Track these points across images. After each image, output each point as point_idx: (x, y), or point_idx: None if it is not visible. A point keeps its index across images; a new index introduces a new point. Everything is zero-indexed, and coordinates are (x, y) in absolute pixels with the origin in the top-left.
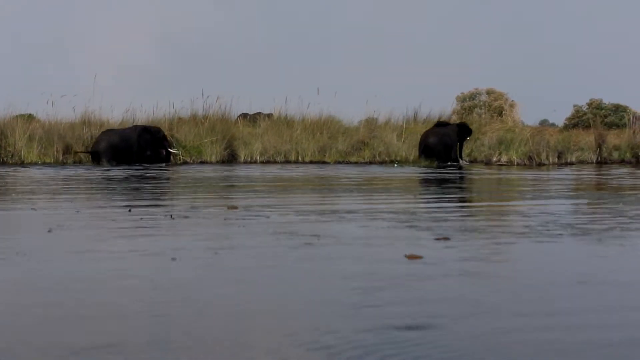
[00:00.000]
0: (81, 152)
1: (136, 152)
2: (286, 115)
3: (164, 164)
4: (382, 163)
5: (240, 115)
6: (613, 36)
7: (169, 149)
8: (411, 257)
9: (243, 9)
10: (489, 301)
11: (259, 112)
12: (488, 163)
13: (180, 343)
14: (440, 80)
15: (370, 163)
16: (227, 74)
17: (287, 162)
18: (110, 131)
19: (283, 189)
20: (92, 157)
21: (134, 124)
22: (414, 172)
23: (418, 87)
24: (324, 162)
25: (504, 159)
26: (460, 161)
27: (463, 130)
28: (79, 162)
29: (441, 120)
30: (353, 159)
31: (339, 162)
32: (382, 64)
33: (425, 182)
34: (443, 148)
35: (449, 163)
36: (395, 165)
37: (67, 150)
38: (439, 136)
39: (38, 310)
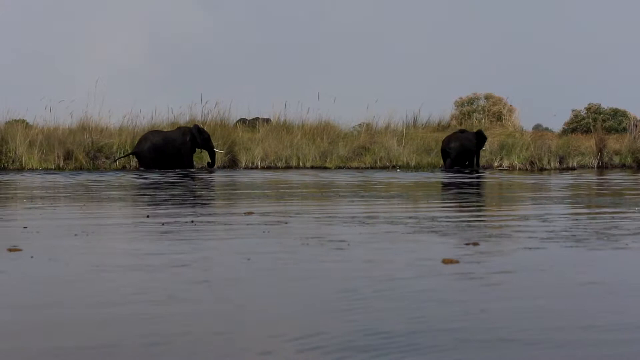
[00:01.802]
0: (121, 157)
1: (184, 156)
2: (285, 120)
3: (210, 168)
4: (383, 168)
5: (239, 120)
6: (610, 40)
7: (216, 149)
8: (447, 262)
9: (240, 14)
10: (555, 308)
11: (257, 118)
12: (489, 168)
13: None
14: (439, 84)
15: (372, 168)
16: (225, 79)
17: (288, 167)
18: (154, 132)
19: (293, 195)
20: (137, 159)
21: (180, 124)
22: (419, 178)
23: (417, 91)
24: (325, 168)
25: (505, 164)
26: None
27: (481, 138)
28: (79, 168)
29: (441, 124)
30: (354, 164)
31: (340, 168)
32: (381, 69)
33: (435, 187)
34: (463, 153)
35: (468, 170)
36: (398, 170)
37: (68, 155)
38: (460, 141)
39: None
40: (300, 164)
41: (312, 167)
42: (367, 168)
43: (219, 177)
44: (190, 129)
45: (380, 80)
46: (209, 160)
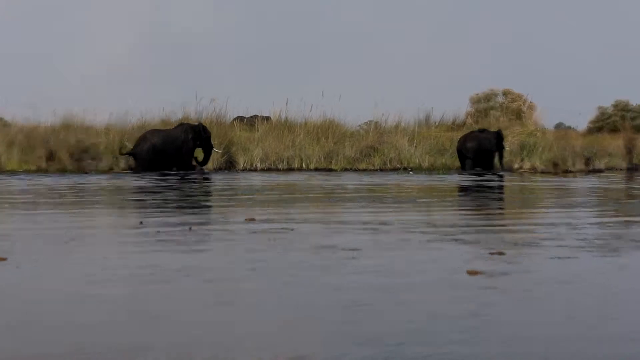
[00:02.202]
0: (124, 154)
1: (184, 155)
2: (287, 118)
3: (200, 167)
4: (394, 170)
5: (236, 118)
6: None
7: (215, 149)
8: (472, 273)
9: (238, 8)
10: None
11: (256, 115)
12: (509, 170)
13: None
14: (452, 80)
15: (381, 170)
16: (222, 75)
17: (290, 169)
18: (153, 132)
19: (297, 200)
20: (135, 160)
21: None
22: (434, 181)
23: (428, 88)
24: (330, 170)
25: (526, 165)
26: (499, 169)
27: (500, 138)
28: (63, 170)
29: (456, 122)
30: (362, 165)
31: (347, 170)
32: (389, 65)
33: (451, 191)
34: (482, 153)
35: (487, 172)
36: (410, 172)
37: (50, 156)
38: (478, 141)
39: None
40: (304, 165)
41: (316, 169)
42: (377, 170)
43: (215, 180)
44: (193, 126)
45: (388, 76)
46: (201, 159)
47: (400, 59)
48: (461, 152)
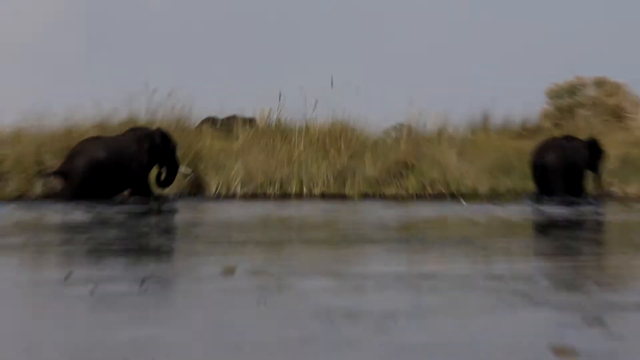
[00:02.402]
0: (48, 174)
1: (137, 174)
2: (279, 120)
3: (161, 187)
4: (438, 198)
5: (206, 120)
6: None
7: (181, 167)
8: (560, 352)
9: None
10: None
11: (234, 116)
12: (608, 196)
13: None
14: (519, 65)
15: (418, 197)
16: (183, 57)
17: (286, 196)
18: (92, 141)
19: (297, 241)
20: (66, 181)
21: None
22: (497, 212)
23: (484, 76)
24: (343, 197)
25: (632, 189)
26: (593, 194)
27: (595, 149)
28: None
29: (527, 126)
30: (390, 190)
31: (368, 196)
32: (427, 41)
33: (523, 228)
34: (567, 171)
35: (577, 198)
36: (462, 200)
37: None
38: (562, 152)
39: None
40: (305, 190)
41: (323, 196)
42: (411, 197)
43: (179, 211)
44: (150, 133)
45: (426, 59)
46: (161, 177)
47: (441, 33)
48: (537, 170)
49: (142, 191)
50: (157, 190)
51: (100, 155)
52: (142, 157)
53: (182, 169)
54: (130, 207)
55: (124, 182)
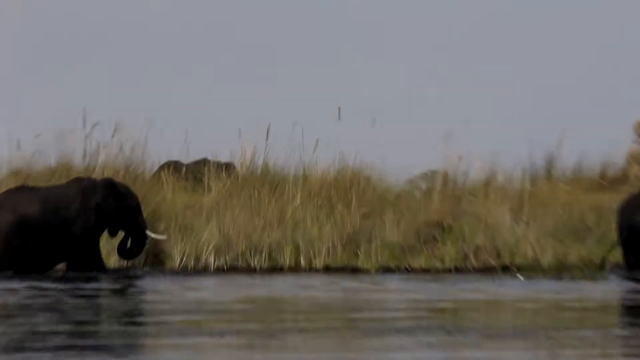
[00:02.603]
0: None
1: (80, 238)
2: (267, 165)
3: (126, 258)
4: (484, 272)
5: (166, 165)
6: None
7: (148, 232)
8: None
9: None
10: None
11: (205, 160)
12: None
13: None
14: (593, 92)
15: (458, 271)
16: (135, 80)
17: (277, 269)
18: (20, 193)
19: (292, 331)
20: None
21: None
22: (568, 293)
23: (544, 109)
24: (355, 270)
25: None
26: None
27: None
28: None
29: (608, 174)
30: (418, 262)
31: (389, 270)
32: (464, 64)
33: (608, 314)
34: None
35: None
36: (517, 275)
37: None
38: None
39: None
40: (303, 261)
41: (327, 269)
42: (449, 271)
43: (133, 290)
44: (99, 184)
45: (469, 84)
46: (126, 245)
47: (487, 49)
48: (626, 232)
49: (87, 262)
50: (117, 261)
51: (30, 211)
52: (87, 216)
53: (151, 234)
54: (70, 284)
55: (63, 249)
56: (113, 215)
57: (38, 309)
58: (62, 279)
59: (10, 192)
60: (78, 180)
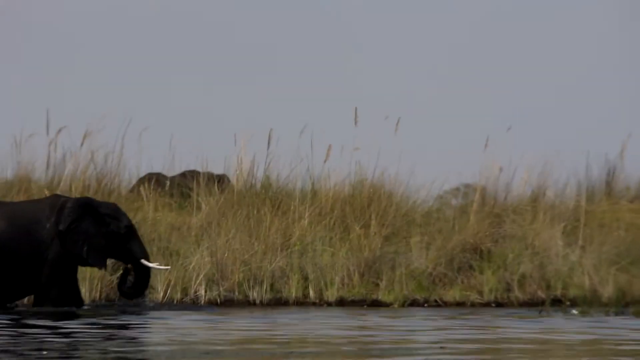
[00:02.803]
0: None
1: (50, 268)
2: (269, 179)
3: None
4: (531, 305)
5: (147, 178)
6: None
7: (143, 261)
8: None
9: None
10: None
11: (194, 172)
12: None
13: None
14: None
15: (498, 305)
16: (114, 82)
17: (281, 302)
18: None
19: None
20: None
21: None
22: (635, 334)
23: (602, 114)
24: (376, 303)
25: None
26: None
27: None
28: None
29: None
30: (451, 293)
31: (415, 304)
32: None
33: None
34: None
35: None
36: (573, 311)
37: None
38: None
39: None
40: (311, 293)
41: (341, 302)
42: (487, 305)
43: (108, 328)
44: (71, 202)
45: (505, 85)
46: (126, 280)
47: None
48: None
49: (61, 294)
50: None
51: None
52: (62, 240)
53: (147, 263)
54: (32, 319)
55: (33, 277)
56: (87, 241)
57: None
58: (25, 314)
59: None
60: (55, 197)
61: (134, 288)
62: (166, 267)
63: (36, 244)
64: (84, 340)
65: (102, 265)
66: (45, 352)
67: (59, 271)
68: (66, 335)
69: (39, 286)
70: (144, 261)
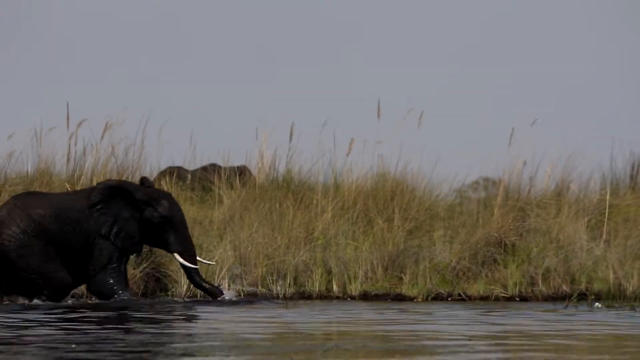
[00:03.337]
0: None
1: (97, 260)
2: (291, 172)
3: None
4: (556, 299)
5: (168, 171)
6: None
7: (176, 255)
8: None
9: None
10: None
11: (215, 166)
12: None
13: None
14: None
15: (521, 299)
16: (132, 73)
17: (304, 295)
18: (26, 199)
19: None
20: None
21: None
22: None
23: (629, 105)
24: (399, 297)
25: None
26: None
27: None
28: None
29: None
30: (476, 287)
31: (439, 297)
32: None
33: None
34: None
35: None
36: (597, 305)
37: None
38: None
39: None
40: (335, 287)
41: (364, 296)
42: (511, 299)
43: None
44: (102, 184)
45: (530, 75)
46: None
47: (557, 34)
48: None
49: (109, 284)
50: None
51: (44, 221)
52: (110, 229)
53: (179, 258)
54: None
55: (81, 266)
56: (117, 224)
57: (28, 338)
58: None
59: (18, 197)
60: (106, 183)
61: (189, 279)
62: (209, 262)
63: (82, 236)
64: (107, 335)
65: (134, 251)
66: (74, 345)
67: (109, 259)
68: (99, 325)
69: (89, 277)
70: (176, 255)
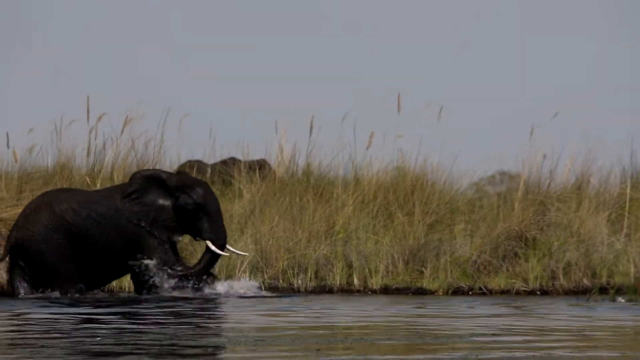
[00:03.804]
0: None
1: (146, 250)
2: (310, 166)
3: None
4: (577, 293)
5: (187, 165)
6: None
7: (209, 243)
8: None
9: None
10: None
11: (234, 159)
12: None
13: None
14: None
15: (543, 293)
16: (151, 67)
17: (325, 289)
18: (62, 195)
19: None
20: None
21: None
22: None
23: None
24: (420, 291)
25: None
26: None
27: None
28: None
29: None
30: (496, 281)
31: (460, 291)
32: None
33: None
34: None
35: None
36: (619, 299)
37: None
38: None
39: None
40: (356, 280)
41: (385, 290)
42: (532, 293)
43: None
44: (138, 174)
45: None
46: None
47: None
48: None
49: (154, 278)
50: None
51: (79, 221)
52: (153, 219)
53: (212, 246)
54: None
55: (122, 260)
56: (152, 213)
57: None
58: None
59: (51, 193)
60: (145, 173)
61: (196, 265)
62: (243, 253)
63: (122, 228)
64: (133, 328)
65: (172, 238)
66: (98, 338)
67: (147, 252)
68: (126, 319)
69: (135, 266)
70: (209, 243)
